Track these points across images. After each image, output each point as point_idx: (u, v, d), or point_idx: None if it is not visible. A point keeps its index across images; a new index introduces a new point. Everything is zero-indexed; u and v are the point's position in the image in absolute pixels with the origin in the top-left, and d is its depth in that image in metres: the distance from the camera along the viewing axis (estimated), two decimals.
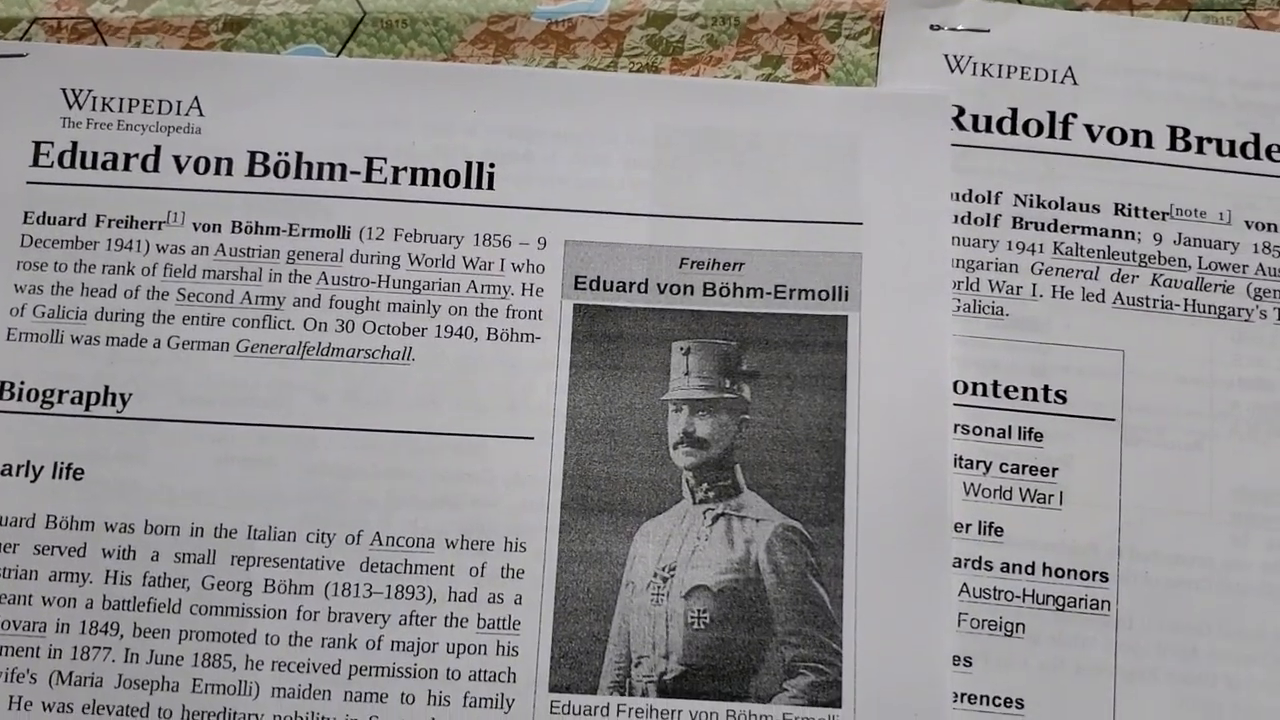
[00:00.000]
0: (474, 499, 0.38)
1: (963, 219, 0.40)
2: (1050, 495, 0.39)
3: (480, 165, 0.41)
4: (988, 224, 0.40)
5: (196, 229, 0.40)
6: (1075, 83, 0.42)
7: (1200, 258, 0.40)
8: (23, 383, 0.39)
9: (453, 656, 0.38)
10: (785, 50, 0.42)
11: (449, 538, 0.38)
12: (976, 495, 0.39)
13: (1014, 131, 0.41)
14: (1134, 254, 0.40)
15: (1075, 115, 0.41)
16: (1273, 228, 0.41)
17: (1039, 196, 0.41)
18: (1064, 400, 0.39)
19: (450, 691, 0.37)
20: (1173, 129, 0.41)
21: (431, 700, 0.37)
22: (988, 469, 0.39)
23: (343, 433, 0.39)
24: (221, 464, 0.38)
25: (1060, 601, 0.38)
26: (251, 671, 0.37)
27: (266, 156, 0.41)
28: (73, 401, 0.39)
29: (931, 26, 0.42)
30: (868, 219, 0.40)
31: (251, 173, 0.41)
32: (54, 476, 0.38)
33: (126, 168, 0.41)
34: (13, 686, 0.37)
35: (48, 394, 0.39)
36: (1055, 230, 0.40)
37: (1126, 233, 0.40)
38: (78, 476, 0.39)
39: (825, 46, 0.42)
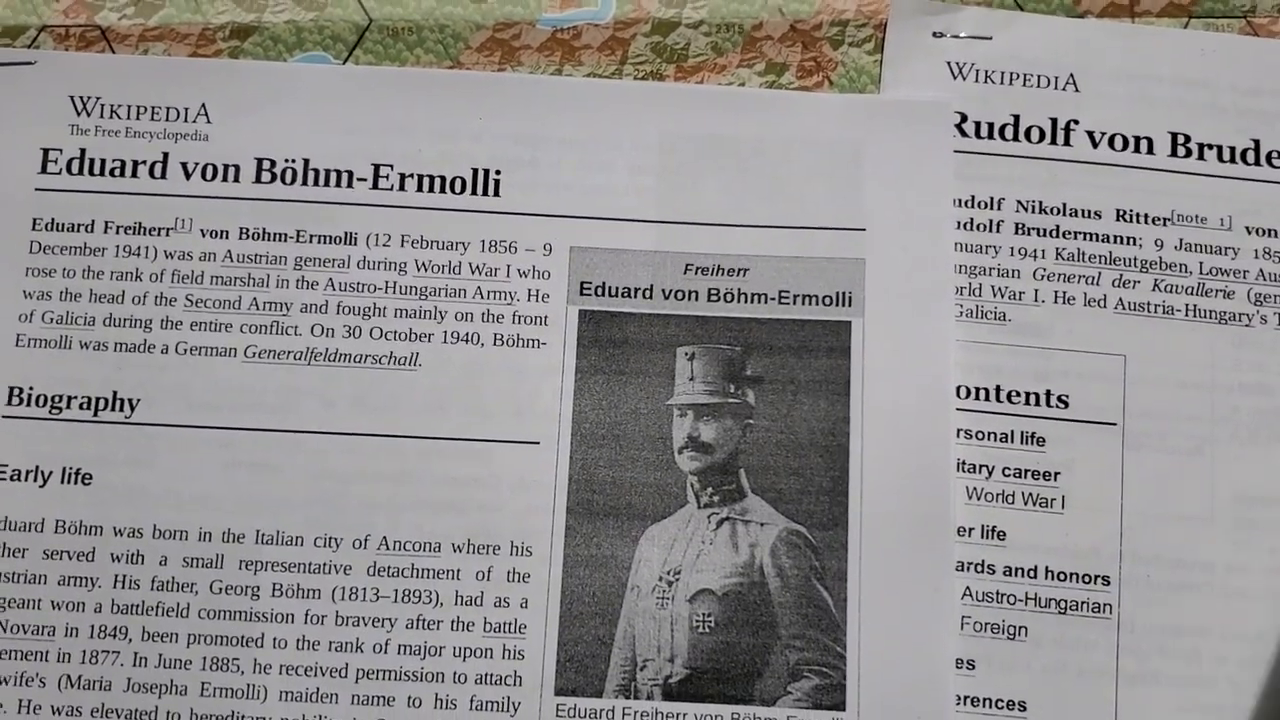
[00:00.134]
0: (480, 503, 0.39)
1: (965, 225, 0.41)
2: (1052, 499, 0.39)
3: (486, 172, 0.41)
4: (990, 230, 0.41)
5: (204, 235, 0.40)
6: (1077, 89, 0.42)
7: (1201, 263, 0.41)
8: (32, 388, 0.39)
9: (459, 660, 0.38)
10: (789, 57, 0.42)
11: (455, 542, 0.39)
12: (979, 499, 0.39)
13: (1016, 138, 0.41)
14: (1135, 260, 0.41)
15: (1077, 122, 0.42)
16: (1273, 233, 0.41)
17: (1041, 203, 0.41)
18: (1066, 405, 0.40)
19: (457, 695, 0.38)
20: (1174, 135, 0.42)
21: (438, 703, 0.38)
22: (990, 473, 0.39)
23: (350, 438, 0.39)
24: (229, 469, 0.39)
25: (1062, 605, 0.38)
26: (259, 675, 0.38)
27: (274, 163, 0.41)
28: (81, 407, 0.39)
29: (934, 34, 0.42)
30: (871, 225, 0.41)
31: (259, 179, 0.41)
32: (63, 481, 0.39)
33: (134, 174, 0.41)
34: (22, 690, 0.37)
35: (56, 399, 0.39)
36: (1057, 236, 0.41)
37: (1128, 239, 0.41)
38: (86, 481, 0.39)
39: (829, 54, 0.42)
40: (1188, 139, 0.42)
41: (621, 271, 0.40)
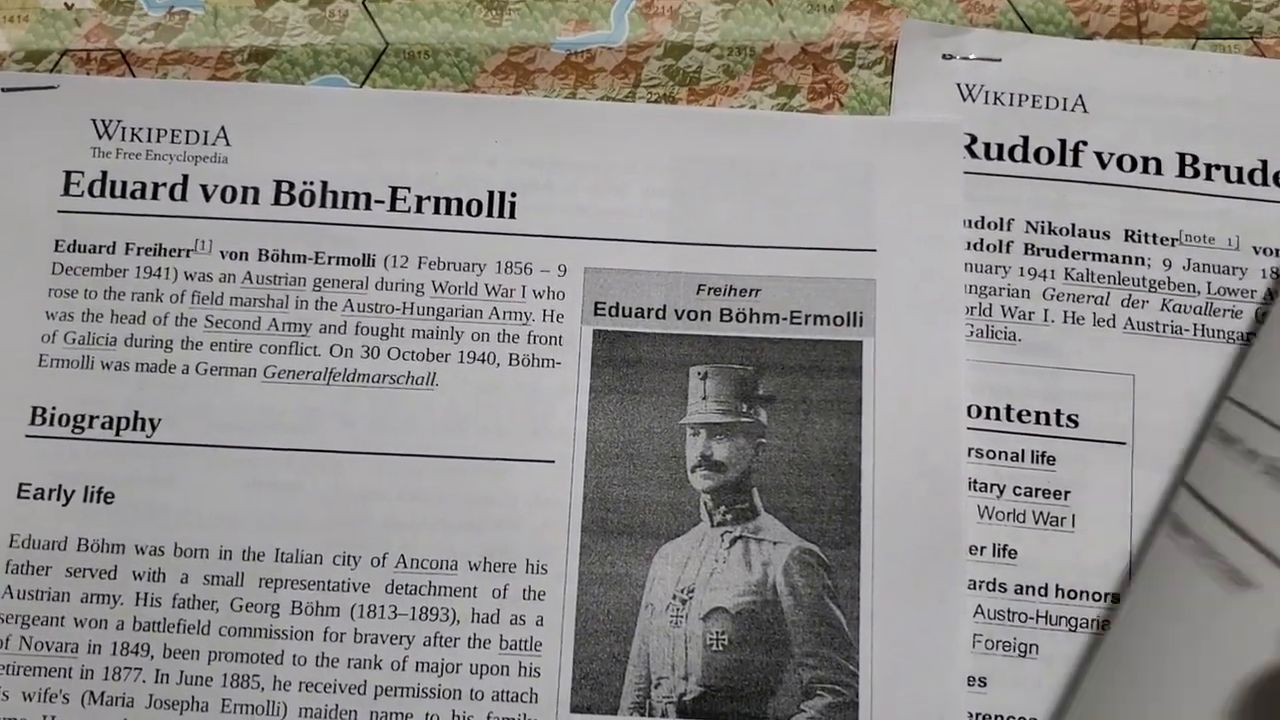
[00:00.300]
0: (497, 522, 0.39)
1: (975, 245, 0.41)
2: (1063, 518, 0.39)
3: (502, 194, 0.42)
4: (1000, 250, 0.41)
5: (224, 257, 0.41)
6: (1085, 111, 0.42)
7: (1209, 283, 0.41)
8: (54, 408, 0.40)
9: (476, 677, 0.38)
10: (800, 80, 0.43)
11: (472, 560, 0.39)
12: (990, 518, 0.39)
13: (1025, 159, 0.42)
14: (1144, 279, 0.41)
15: (1085, 143, 0.42)
16: None
17: (1050, 223, 0.41)
18: (1076, 424, 0.40)
19: (473, 712, 0.38)
20: (1181, 156, 0.42)
21: None
22: (1001, 492, 0.40)
23: (368, 457, 0.40)
24: (249, 488, 0.39)
25: (1074, 623, 0.39)
26: (279, 692, 0.38)
27: (292, 185, 0.42)
28: (103, 426, 0.40)
29: (944, 56, 0.43)
30: (882, 246, 0.41)
31: (277, 201, 0.41)
32: (85, 500, 0.39)
33: (155, 196, 0.41)
34: (46, 706, 0.38)
35: (79, 419, 0.40)
36: (1066, 256, 0.41)
37: (1136, 259, 0.41)
38: (108, 500, 0.39)
39: (839, 76, 0.43)
40: (1195, 159, 0.42)
41: (635, 292, 0.41)
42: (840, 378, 0.40)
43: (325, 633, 0.38)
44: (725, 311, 0.41)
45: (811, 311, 0.41)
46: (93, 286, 0.41)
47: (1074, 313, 0.41)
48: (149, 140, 0.42)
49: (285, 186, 0.42)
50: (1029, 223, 0.41)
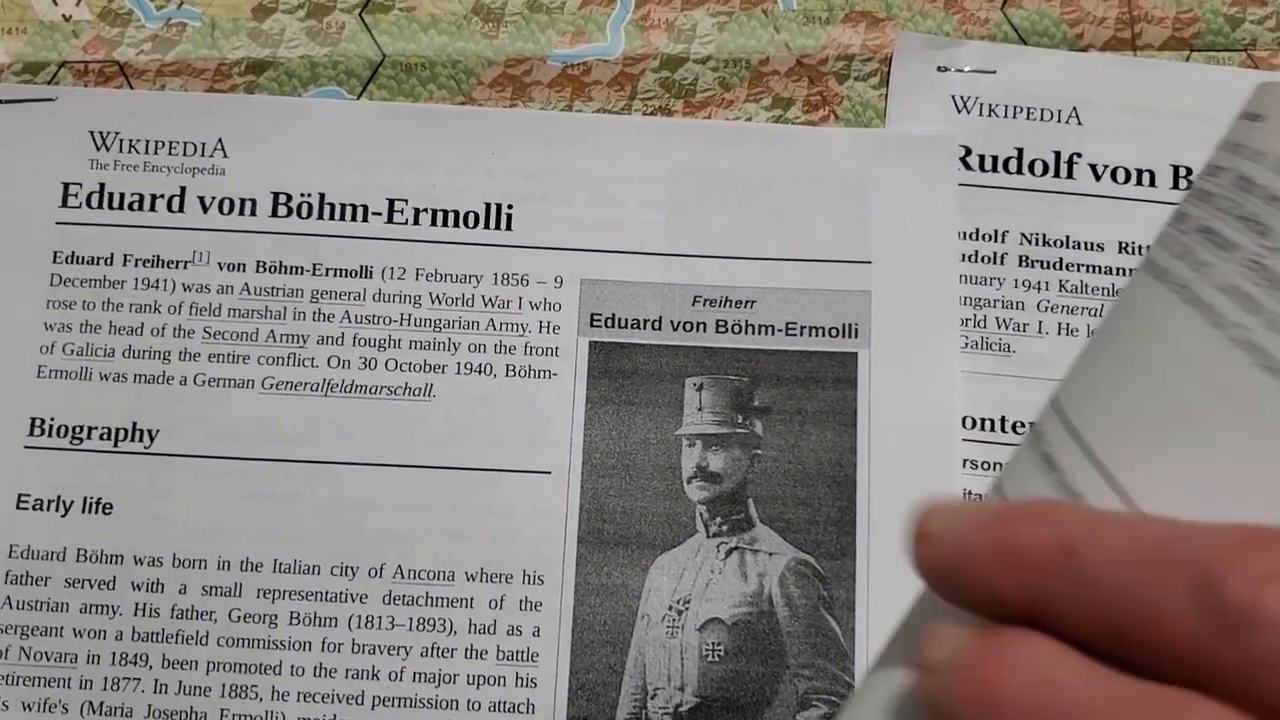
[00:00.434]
0: (493, 532, 0.39)
1: (970, 257, 0.41)
2: None
3: (499, 206, 0.42)
4: (994, 262, 0.41)
5: (221, 268, 0.41)
6: (1080, 123, 0.43)
7: None
8: (53, 419, 0.40)
9: (473, 688, 0.39)
10: (795, 92, 0.43)
11: (469, 571, 0.39)
12: None
13: (1020, 171, 0.42)
14: None
15: (1080, 155, 0.42)
16: None
17: (1044, 235, 0.42)
18: None
19: None
20: (1175, 168, 0.42)
21: None
22: None
23: (366, 468, 0.40)
24: (247, 499, 0.39)
25: None
26: (277, 702, 0.38)
27: (289, 197, 0.42)
28: (101, 438, 0.40)
29: (939, 68, 0.43)
30: (877, 258, 0.41)
31: (275, 213, 0.42)
32: (84, 511, 0.39)
33: (153, 208, 0.42)
34: (45, 717, 0.38)
35: (77, 430, 0.40)
36: (1060, 268, 0.41)
37: (1130, 270, 0.41)
38: (107, 511, 0.40)
39: (834, 88, 0.43)
40: (1189, 171, 0.42)
41: (631, 303, 0.41)
42: (835, 389, 0.40)
43: (323, 643, 0.39)
44: (721, 323, 0.41)
45: (807, 323, 0.41)
46: (91, 298, 0.41)
47: (1068, 324, 0.41)
48: (146, 152, 0.42)
49: (283, 198, 0.42)
50: (1023, 234, 0.42)
